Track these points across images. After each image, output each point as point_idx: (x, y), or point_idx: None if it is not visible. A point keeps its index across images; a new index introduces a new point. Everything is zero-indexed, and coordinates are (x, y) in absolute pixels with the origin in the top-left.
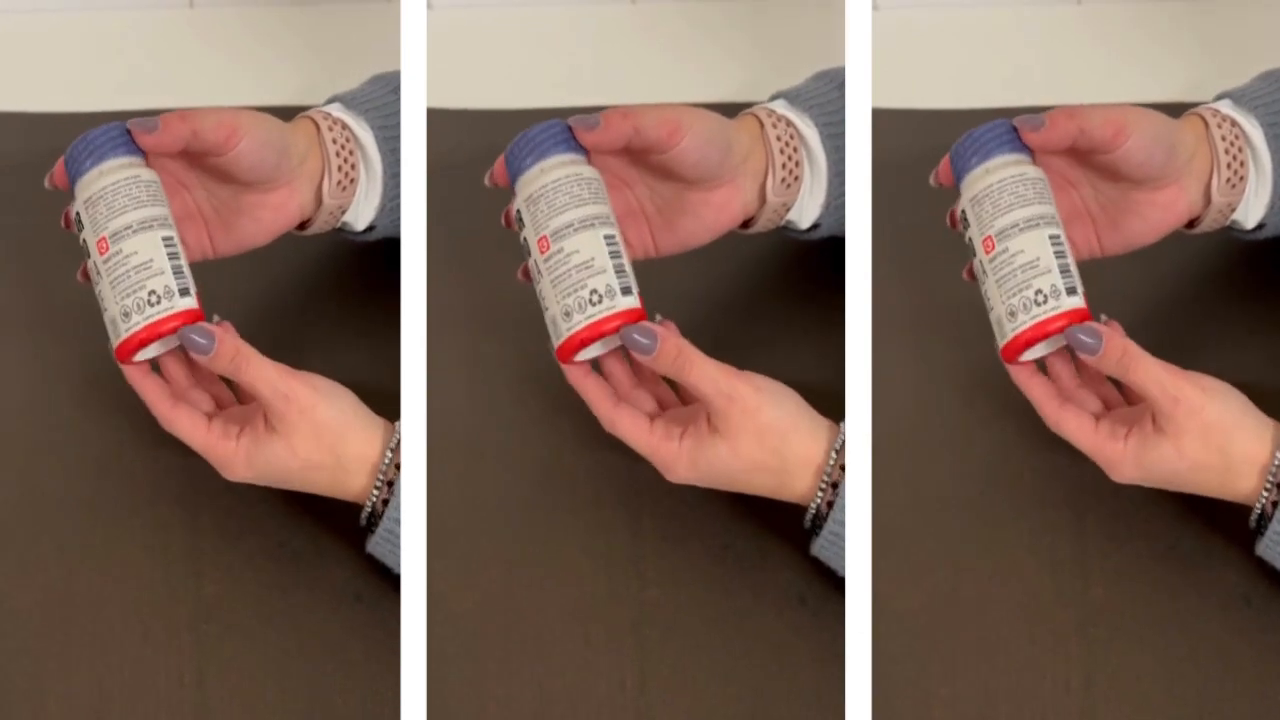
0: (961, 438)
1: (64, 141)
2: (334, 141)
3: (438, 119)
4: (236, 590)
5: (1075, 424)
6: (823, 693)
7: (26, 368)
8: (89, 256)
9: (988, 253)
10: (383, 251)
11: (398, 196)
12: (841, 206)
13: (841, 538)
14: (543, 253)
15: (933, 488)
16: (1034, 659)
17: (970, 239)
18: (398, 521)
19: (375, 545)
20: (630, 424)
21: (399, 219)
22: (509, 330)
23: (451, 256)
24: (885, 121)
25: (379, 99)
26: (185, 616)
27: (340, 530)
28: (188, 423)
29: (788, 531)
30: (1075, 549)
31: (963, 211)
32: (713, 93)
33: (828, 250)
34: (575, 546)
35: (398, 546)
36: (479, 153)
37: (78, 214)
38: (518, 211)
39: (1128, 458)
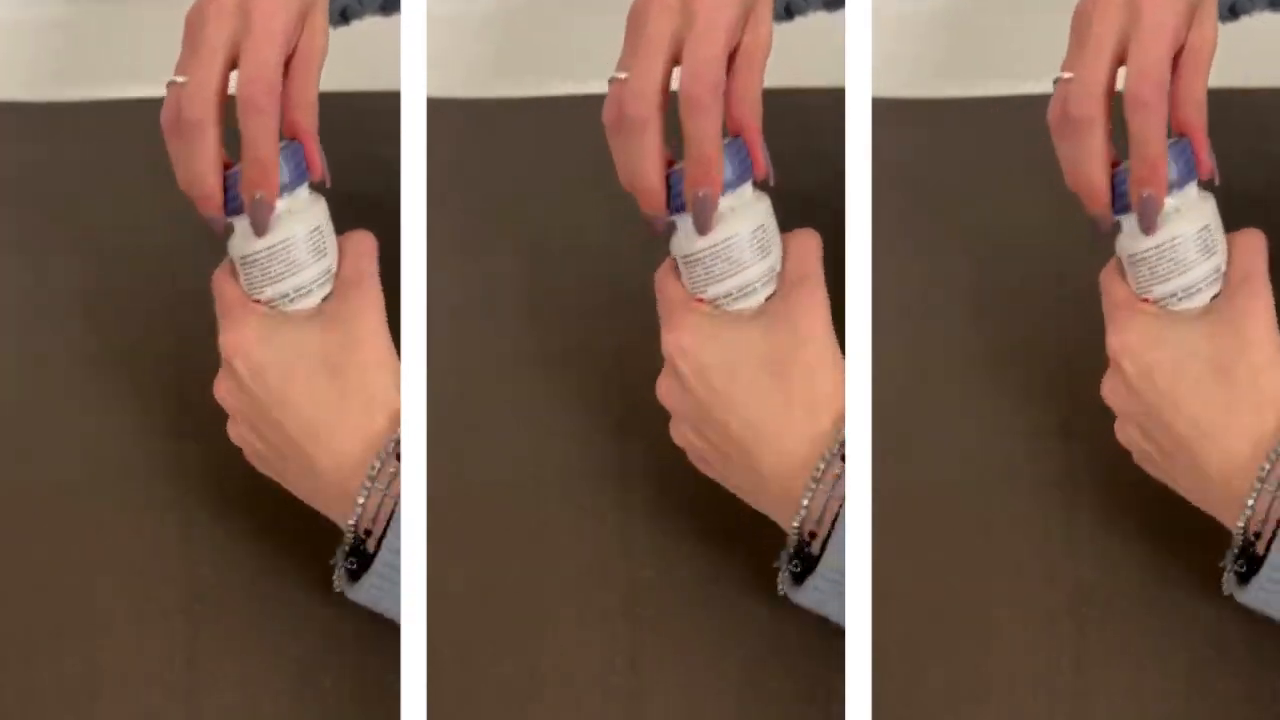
0: (953, 420)
1: (66, 131)
2: None
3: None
4: (229, 572)
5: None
6: (815, 674)
7: (19, 352)
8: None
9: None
10: (383, 236)
11: None
12: None
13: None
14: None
15: (924, 470)
16: (1026, 640)
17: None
18: (396, 552)
19: (367, 585)
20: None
21: None
22: (502, 312)
23: (451, 241)
24: (884, 109)
25: None
26: (177, 598)
27: None
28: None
29: None
30: (1066, 530)
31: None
32: None
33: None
34: (567, 527)
35: (396, 584)
36: (481, 138)
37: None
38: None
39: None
